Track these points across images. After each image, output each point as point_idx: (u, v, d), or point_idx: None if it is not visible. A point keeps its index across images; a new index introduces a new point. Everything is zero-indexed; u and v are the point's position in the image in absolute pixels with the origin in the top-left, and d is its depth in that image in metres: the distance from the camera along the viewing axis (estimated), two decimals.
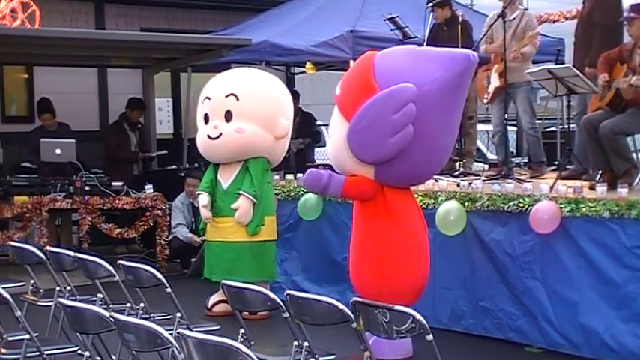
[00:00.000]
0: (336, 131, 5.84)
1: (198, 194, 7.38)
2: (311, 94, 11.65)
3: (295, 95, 11.36)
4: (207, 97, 7.26)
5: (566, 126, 8.00)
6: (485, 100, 8.23)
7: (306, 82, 12.01)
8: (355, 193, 5.84)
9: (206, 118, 7.23)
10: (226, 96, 7.14)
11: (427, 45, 8.38)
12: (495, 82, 7.98)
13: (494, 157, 11.68)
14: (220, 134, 7.11)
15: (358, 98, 5.58)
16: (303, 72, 11.39)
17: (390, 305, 4.05)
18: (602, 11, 7.61)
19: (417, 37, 8.36)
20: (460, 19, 8.19)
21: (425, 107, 5.47)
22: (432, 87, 5.49)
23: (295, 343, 4.22)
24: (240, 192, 7.10)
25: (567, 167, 7.39)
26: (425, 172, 6.02)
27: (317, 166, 8.65)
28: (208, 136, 7.16)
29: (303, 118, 10.98)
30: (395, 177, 5.75)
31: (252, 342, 4.39)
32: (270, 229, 7.31)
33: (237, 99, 7.12)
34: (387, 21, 8.47)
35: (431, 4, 8.29)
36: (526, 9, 8.15)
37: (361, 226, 5.92)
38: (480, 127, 10.93)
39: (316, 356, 4.15)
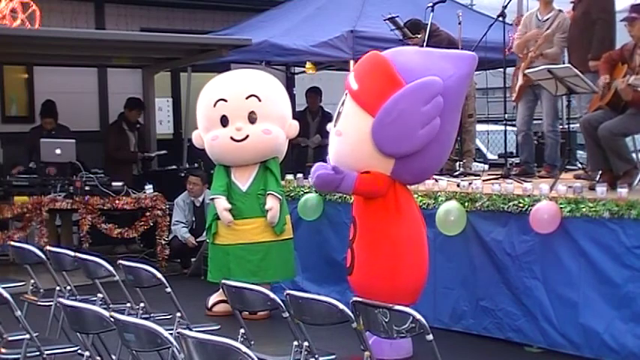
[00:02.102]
0: (353, 126, 5.74)
1: (214, 198, 7.23)
2: None
3: (318, 92, 11.39)
4: (223, 100, 7.13)
5: (567, 126, 8.00)
6: (513, 98, 8.32)
7: (306, 82, 12.00)
8: (367, 191, 5.76)
9: (224, 121, 7.14)
10: (247, 97, 7.11)
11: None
12: (521, 80, 8.04)
13: (494, 157, 11.72)
14: (247, 136, 7.08)
15: (383, 92, 5.56)
16: (303, 72, 11.39)
17: (390, 305, 4.05)
18: (600, 8, 7.67)
19: (417, 36, 8.34)
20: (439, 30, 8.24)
21: (445, 102, 5.56)
22: (450, 83, 5.59)
23: (295, 343, 4.22)
24: (270, 192, 7.12)
25: (567, 167, 7.40)
26: (436, 167, 6.16)
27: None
28: (232, 138, 7.10)
29: (325, 117, 11.00)
30: (411, 171, 5.78)
31: (252, 342, 4.39)
32: (289, 227, 7.37)
33: (260, 100, 7.12)
34: (387, 21, 8.46)
35: (402, 38, 8.33)
36: (560, 10, 8.10)
37: (369, 223, 5.85)
38: (479, 127, 10.93)
39: (316, 356, 4.15)
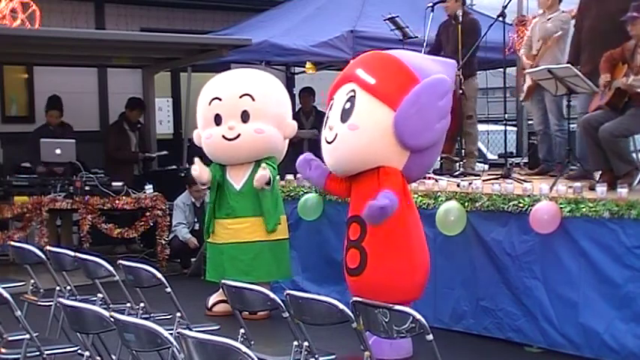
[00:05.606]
0: (371, 119, 5.74)
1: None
2: None
3: (311, 92, 11.41)
4: (218, 98, 7.15)
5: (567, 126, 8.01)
6: (521, 98, 8.68)
7: (306, 82, 12.00)
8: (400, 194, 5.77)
9: (217, 119, 7.16)
10: (241, 96, 7.11)
11: (435, 42, 8.60)
12: (528, 81, 8.14)
13: (494, 157, 11.72)
14: (239, 135, 7.08)
15: (403, 85, 5.65)
16: (303, 72, 11.39)
17: (390, 305, 4.05)
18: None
19: (416, 36, 8.35)
20: (461, 18, 8.21)
21: None
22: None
23: (295, 343, 4.22)
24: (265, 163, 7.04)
25: (572, 168, 7.40)
26: (432, 166, 6.45)
27: None
28: (224, 137, 7.11)
29: (319, 117, 10.98)
30: (420, 167, 5.93)
31: (252, 342, 4.39)
32: (284, 227, 7.36)
33: (253, 99, 7.11)
34: (387, 21, 8.46)
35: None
36: (563, 11, 8.14)
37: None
38: (480, 128, 10.93)
39: (316, 356, 4.15)
